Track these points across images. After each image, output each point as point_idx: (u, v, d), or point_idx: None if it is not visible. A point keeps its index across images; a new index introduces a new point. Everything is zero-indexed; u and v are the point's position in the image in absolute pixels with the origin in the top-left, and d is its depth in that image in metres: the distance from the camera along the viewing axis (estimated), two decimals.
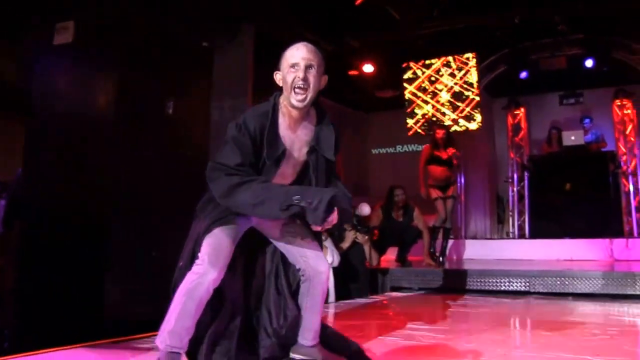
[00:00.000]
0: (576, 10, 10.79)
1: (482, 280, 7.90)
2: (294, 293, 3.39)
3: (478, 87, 12.76)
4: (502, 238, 13.85)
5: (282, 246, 3.38)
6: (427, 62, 13.31)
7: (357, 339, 3.73)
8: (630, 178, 12.67)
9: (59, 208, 6.04)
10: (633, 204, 12.40)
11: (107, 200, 5.88)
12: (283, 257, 3.40)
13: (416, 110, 13.34)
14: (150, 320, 3.63)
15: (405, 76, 13.50)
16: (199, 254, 3.06)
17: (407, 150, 15.19)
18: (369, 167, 15.84)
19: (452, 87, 12.97)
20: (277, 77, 3.24)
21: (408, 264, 9.53)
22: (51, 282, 5.76)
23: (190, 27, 7.28)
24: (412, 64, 13.44)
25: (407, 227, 9.58)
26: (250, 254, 3.42)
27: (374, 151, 16.05)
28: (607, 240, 10.18)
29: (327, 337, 3.48)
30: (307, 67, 3.14)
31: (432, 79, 13.24)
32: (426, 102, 13.25)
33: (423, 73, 13.32)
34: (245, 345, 3.33)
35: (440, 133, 10.01)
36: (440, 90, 13.12)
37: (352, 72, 13.37)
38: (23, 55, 7.07)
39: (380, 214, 9.56)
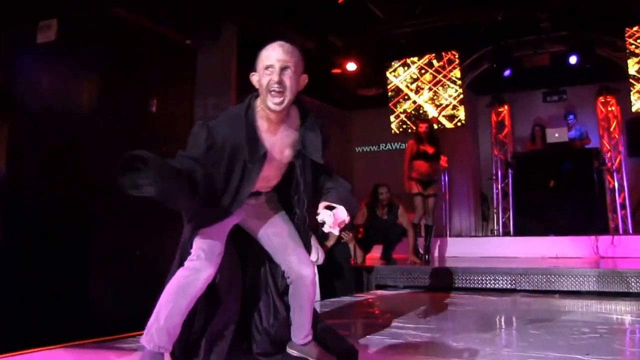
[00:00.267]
0: (559, 6, 10.81)
1: (468, 277, 7.89)
2: (283, 293, 3.37)
3: (461, 85, 12.76)
4: (486, 235, 13.88)
5: (267, 246, 3.35)
6: (410, 59, 13.30)
7: None
8: (615, 175, 12.68)
9: (42, 206, 5.98)
10: (618, 200, 12.41)
11: (90, 199, 5.82)
12: (270, 258, 3.36)
13: (398, 108, 13.32)
14: (134, 319, 3.59)
15: (388, 74, 13.48)
16: (192, 251, 3.03)
17: (391, 148, 15.18)
18: (353, 166, 15.78)
19: (435, 85, 12.96)
20: (254, 78, 3.13)
21: (393, 261, 9.53)
22: (34, 282, 5.69)
23: (174, 25, 7.24)
24: (395, 62, 13.42)
25: (391, 225, 9.57)
26: (240, 253, 3.38)
27: (358, 149, 16.00)
28: (592, 238, 10.17)
29: (322, 333, 3.47)
30: (283, 69, 3.03)
31: (415, 76, 13.23)
32: (408, 99, 13.24)
33: (405, 71, 13.30)
34: (239, 344, 3.32)
35: (423, 127, 9.98)
36: (423, 88, 13.11)
37: (335, 71, 13.34)
38: (6, 54, 7.00)
39: (365, 212, 9.54)
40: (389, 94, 13.46)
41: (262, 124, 3.13)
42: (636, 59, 11.31)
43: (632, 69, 11.33)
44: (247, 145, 3.02)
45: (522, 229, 12.26)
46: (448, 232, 13.14)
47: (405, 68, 13.32)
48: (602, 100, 13.30)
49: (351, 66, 13.06)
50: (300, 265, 3.24)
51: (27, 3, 6.56)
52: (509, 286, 7.63)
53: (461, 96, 12.79)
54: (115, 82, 6.13)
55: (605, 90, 13.18)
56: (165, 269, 3.18)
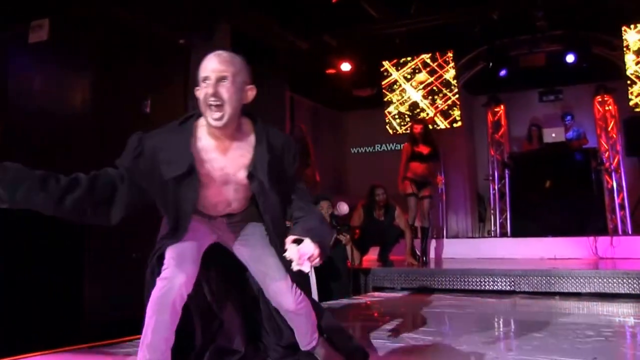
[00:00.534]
0: (555, 4, 10.77)
1: (466, 279, 7.81)
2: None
3: (457, 85, 12.69)
4: (483, 237, 13.79)
5: (249, 269, 3.23)
6: (405, 59, 13.22)
7: None
8: (613, 175, 12.61)
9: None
10: (617, 201, 12.34)
11: None
12: None
13: (393, 108, 13.24)
14: (130, 323, 3.51)
15: (383, 73, 13.41)
16: (164, 261, 2.90)
17: (387, 149, 15.05)
18: (348, 166, 15.71)
19: (430, 85, 12.89)
20: (197, 93, 2.91)
21: (390, 263, 9.48)
22: (28, 285, 5.65)
23: (167, 25, 7.19)
24: (389, 62, 13.35)
25: (388, 226, 9.51)
26: (239, 264, 3.27)
27: (353, 150, 15.90)
28: (591, 238, 10.11)
29: (329, 331, 3.38)
30: (219, 80, 2.82)
31: (410, 76, 13.16)
32: (403, 99, 13.17)
33: (399, 70, 13.23)
34: (253, 354, 3.31)
35: (417, 128, 9.87)
36: (418, 88, 13.04)
37: (330, 71, 13.30)
38: None
39: (361, 214, 9.47)
40: (384, 95, 13.37)
41: (209, 142, 2.95)
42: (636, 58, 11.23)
43: (629, 70, 11.24)
44: (162, 160, 2.88)
45: (520, 230, 12.16)
46: (445, 234, 13.08)
47: (400, 68, 13.23)
48: (599, 99, 13.21)
49: (345, 66, 13.02)
50: (281, 298, 3.10)
51: (19, 3, 6.53)
52: (508, 288, 7.54)
53: (457, 96, 12.70)
54: (107, 82, 6.15)
55: (602, 89, 13.09)
56: None
